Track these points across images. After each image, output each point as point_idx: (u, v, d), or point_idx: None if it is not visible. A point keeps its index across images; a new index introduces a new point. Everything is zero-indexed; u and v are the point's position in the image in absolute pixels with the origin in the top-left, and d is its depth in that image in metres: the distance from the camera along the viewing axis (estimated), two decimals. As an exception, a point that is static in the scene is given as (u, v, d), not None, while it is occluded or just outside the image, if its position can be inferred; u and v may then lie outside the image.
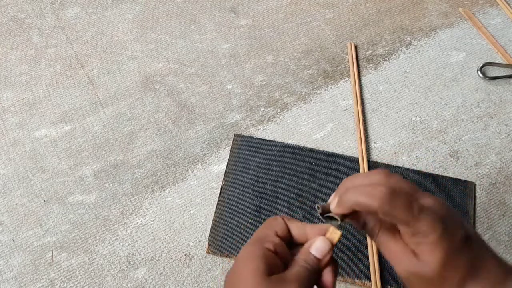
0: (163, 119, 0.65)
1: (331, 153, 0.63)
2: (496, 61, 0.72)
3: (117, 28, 0.72)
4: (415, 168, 0.63)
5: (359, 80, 0.69)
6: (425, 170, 0.62)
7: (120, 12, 0.74)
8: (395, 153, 0.64)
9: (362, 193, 0.32)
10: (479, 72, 0.70)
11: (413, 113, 0.67)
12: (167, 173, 0.61)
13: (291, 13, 0.75)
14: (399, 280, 0.55)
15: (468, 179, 0.62)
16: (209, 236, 0.57)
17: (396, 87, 0.69)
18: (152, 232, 0.58)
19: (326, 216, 0.35)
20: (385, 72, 0.71)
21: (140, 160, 0.62)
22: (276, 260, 0.33)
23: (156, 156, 0.62)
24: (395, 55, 0.72)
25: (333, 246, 0.34)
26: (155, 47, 0.71)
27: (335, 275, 0.34)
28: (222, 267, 0.56)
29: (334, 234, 0.35)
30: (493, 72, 0.71)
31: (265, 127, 0.65)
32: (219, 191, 0.60)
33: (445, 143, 0.65)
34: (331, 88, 0.69)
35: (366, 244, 0.57)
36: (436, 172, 0.63)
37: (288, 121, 0.66)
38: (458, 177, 0.62)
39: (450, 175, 0.62)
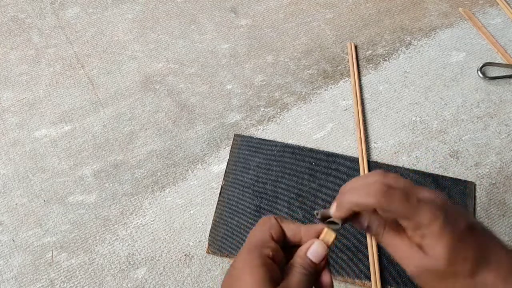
0: (163, 119, 0.65)
1: (331, 153, 0.63)
2: (496, 61, 0.72)
3: (117, 28, 0.72)
4: (415, 168, 0.63)
5: (359, 80, 0.69)
6: (425, 170, 0.62)
7: (120, 12, 0.74)
8: (395, 153, 0.64)
9: (359, 193, 0.32)
10: (479, 72, 0.70)
11: (413, 113, 0.67)
12: (167, 173, 0.61)
13: (291, 13, 0.75)
14: (399, 280, 0.55)
15: (468, 179, 0.62)
16: (209, 236, 0.57)
17: (396, 87, 0.69)
18: (152, 232, 0.58)
19: (327, 221, 0.35)
20: (385, 72, 0.71)
21: (140, 160, 0.62)
22: (275, 266, 0.33)
23: (156, 156, 0.62)
24: (395, 55, 0.72)
25: (329, 248, 0.34)
26: (155, 47, 0.71)
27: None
28: (222, 267, 0.56)
29: (329, 236, 0.34)
30: (493, 72, 0.71)
31: (265, 127, 0.65)
32: (219, 191, 0.60)
33: (445, 143, 0.65)
34: (331, 88, 0.69)
35: (366, 244, 0.57)
36: (436, 172, 0.63)
37: (288, 121, 0.66)
38: (458, 177, 0.62)
39: (450, 175, 0.62)
